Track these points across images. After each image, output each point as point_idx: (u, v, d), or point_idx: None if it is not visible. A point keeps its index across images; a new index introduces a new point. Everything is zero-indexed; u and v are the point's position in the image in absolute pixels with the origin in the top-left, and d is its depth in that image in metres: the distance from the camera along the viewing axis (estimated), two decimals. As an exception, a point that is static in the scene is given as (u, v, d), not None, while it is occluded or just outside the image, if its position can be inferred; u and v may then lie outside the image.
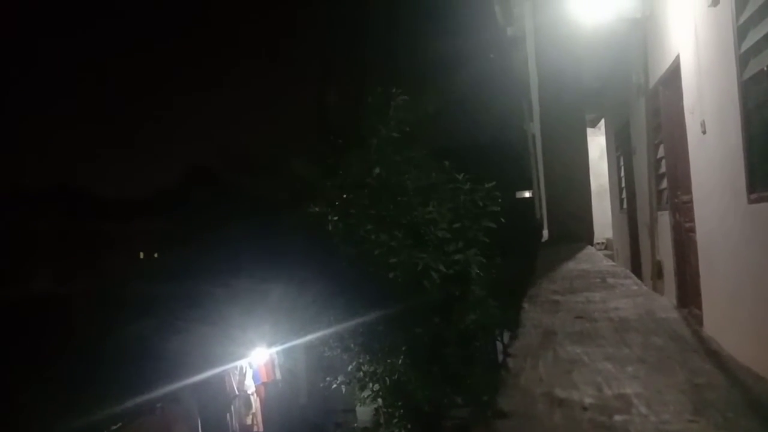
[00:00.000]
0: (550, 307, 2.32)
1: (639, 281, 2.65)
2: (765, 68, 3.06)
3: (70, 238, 32.34)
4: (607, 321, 2.11)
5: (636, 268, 7.83)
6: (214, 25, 69.58)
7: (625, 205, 8.71)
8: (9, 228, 30.47)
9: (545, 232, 5.78)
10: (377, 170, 7.01)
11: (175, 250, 29.46)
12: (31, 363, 14.80)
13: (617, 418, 1.88)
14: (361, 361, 7.22)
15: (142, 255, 35.07)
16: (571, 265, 3.33)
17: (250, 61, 70.29)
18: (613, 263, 3.45)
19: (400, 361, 6.84)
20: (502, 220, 7.10)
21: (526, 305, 2.38)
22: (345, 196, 7.30)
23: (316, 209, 7.43)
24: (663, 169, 5.88)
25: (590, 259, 3.50)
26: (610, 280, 2.72)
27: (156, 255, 34.70)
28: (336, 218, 7.30)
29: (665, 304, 2.11)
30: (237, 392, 10.95)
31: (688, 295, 5.23)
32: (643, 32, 6.15)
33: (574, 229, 4.69)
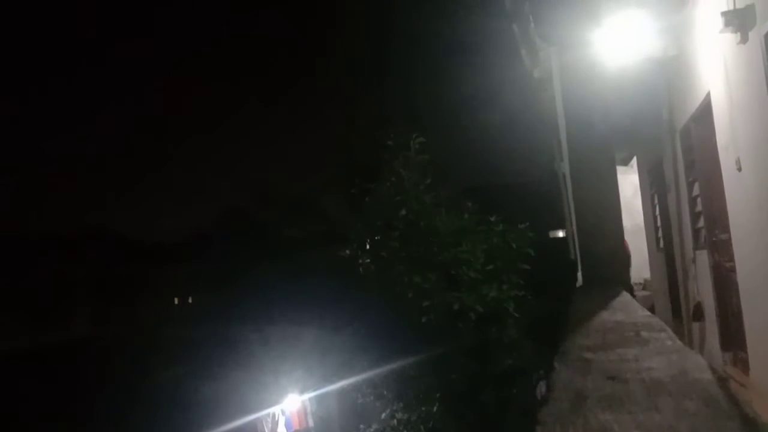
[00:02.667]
0: (581, 367, 2.24)
1: (674, 335, 2.55)
2: (799, 105, 3.00)
3: (107, 283, 33.00)
4: (640, 382, 2.02)
5: (676, 309, 7.59)
6: (242, 70, 71.84)
7: (662, 244, 8.51)
8: (48, 273, 31.30)
9: (579, 275, 5.67)
10: (403, 212, 7.03)
11: (209, 294, 29.75)
12: (67, 408, 14.93)
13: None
14: (394, 408, 7.09)
15: (176, 300, 35.49)
16: (604, 316, 3.22)
17: (278, 104, 72.11)
18: (648, 313, 3.34)
19: (435, 408, 6.70)
20: (534, 257, 7.01)
21: (557, 365, 2.31)
22: (376, 238, 7.31)
23: (347, 252, 7.46)
24: (699, 207, 5.76)
25: (625, 308, 3.39)
26: (645, 334, 2.62)
27: (190, 299, 35.08)
28: (368, 260, 7.30)
29: (700, 362, 2.03)
30: (270, 440, 10.84)
31: (732, 337, 5.03)
32: (671, 70, 6.12)
33: (608, 271, 4.59)
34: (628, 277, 5.43)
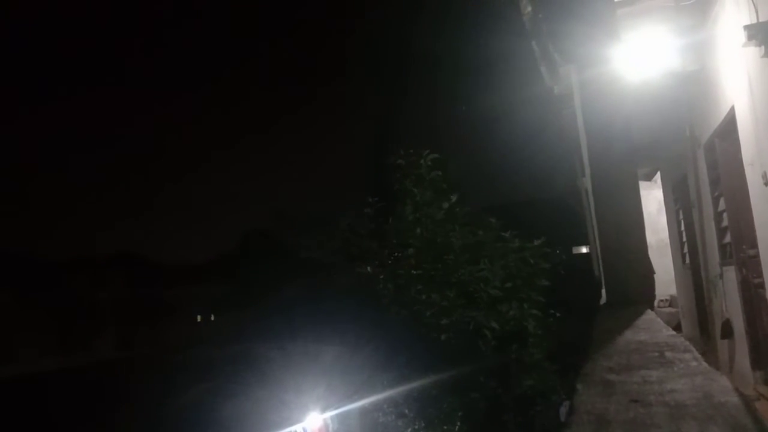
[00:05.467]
0: (603, 389, 2.19)
1: (699, 356, 2.48)
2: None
3: (131, 304, 33.37)
4: (663, 406, 1.97)
5: (703, 326, 7.42)
6: (263, 91, 72.93)
7: (687, 260, 8.35)
8: (73, 295, 31.79)
9: (603, 292, 5.58)
10: (418, 230, 7.02)
11: (231, 313, 29.88)
12: (90, 428, 15.02)
13: None
14: (416, 427, 7.01)
15: (199, 319, 35.74)
16: (628, 335, 3.16)
17: (298, 124, 72.97)
18: (673, 333, 3.26)
19: (456, 428, 6.61)
20: (562, 272, 6.92)
21: (579, 386, 2.26)
22: (394, 255, 7.30)
23: (368, 269, 7.43)
24: (725, 223, 5.65)
25: (649, 327, 3.32)
26: (669, 355, 2.56)
27: (213, 318, 35.28)
28: (385, 279, 7.27)
29: (726, 385, 1.96)
30: (291, 459, 10.77)
31: (763, 355, 4.90)
32: (693, 85, 6.06)
33: (633, 290, 4.51)
34: (653, 295, 5.31)
